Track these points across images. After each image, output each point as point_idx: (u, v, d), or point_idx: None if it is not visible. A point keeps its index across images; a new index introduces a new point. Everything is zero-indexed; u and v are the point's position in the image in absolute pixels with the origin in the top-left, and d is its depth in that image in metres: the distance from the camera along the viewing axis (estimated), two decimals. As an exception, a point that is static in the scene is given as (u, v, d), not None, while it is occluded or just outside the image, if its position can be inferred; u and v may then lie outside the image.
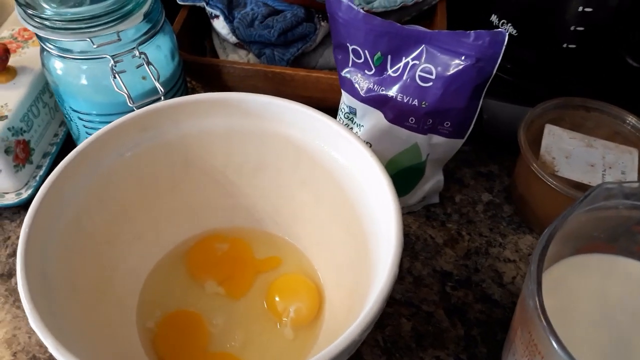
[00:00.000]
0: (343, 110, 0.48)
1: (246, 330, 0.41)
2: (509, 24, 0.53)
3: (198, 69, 0.53)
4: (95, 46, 0.40)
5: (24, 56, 0.53)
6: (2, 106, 0.48)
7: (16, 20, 0.59)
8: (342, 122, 0.48)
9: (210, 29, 0.58)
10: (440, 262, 0.48)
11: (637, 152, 0.48)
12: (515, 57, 0.53)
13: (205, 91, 0.60)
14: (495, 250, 0.49)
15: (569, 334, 0.33)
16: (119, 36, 0.41)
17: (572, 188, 0.44)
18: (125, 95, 0.41)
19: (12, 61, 0.52)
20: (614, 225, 0.38)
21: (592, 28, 0.49)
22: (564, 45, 0.51)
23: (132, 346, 0.39)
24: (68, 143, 0.54)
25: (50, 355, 0.41)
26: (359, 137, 0.37)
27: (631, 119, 0.49)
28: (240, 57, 0.56)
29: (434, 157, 0.47)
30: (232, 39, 0.54)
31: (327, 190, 0.41)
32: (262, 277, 0.44)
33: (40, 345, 0.42)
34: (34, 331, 0.41)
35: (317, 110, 0.39)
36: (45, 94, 0.52)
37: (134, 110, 0.40)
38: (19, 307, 0.44)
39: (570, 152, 0.48)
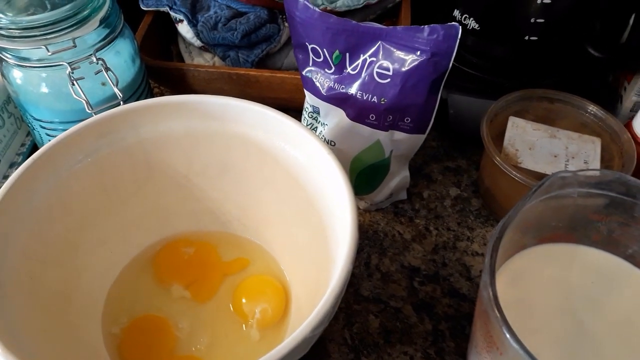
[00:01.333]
0: (307, 109, 0.48)
1: (212, 333, 0.41)
2: (472, 19, 0.53)
3: (163, 74, 0.53)
4: (49, 53, 0.40)
5: (-13, 67, 0.53)
6: (-36, 117, 0.48)
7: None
8: (306, 122, 0.48)
9: (176, 33, 0.58)
10: (408, 257, 0.48)
11: (599, 141, 0.48)
12: (479, 51, 0.53)
13: (172, 94, 0.60)
14: (463, 244, 0.49)
15: (528, 324, 0.34)
16: (74, 42, 0.41)
17: (535, 179, 0.44)
18: (84, 102, 0.41)
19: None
20: (572, 214, 0.38)
21: (552, 19, 0.49)
22: (526, 38, 0.51)
23: (98, 353, 0.39)
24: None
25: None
26: (316, 134, 0.37)
27: (593, 109, 0.49)
28: (206, 61, 0.56)
29: (397, 153, 0.47)
30: (197, 42, 0.54)
31: (290, 190, 0.41)
32: (229, 280, 0.44)
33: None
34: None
35: (275, 110, 0.39)
36: (10, 104, 0.52)
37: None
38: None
39: (534, 144, 0.48)
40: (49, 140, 0.47)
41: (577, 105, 0.50)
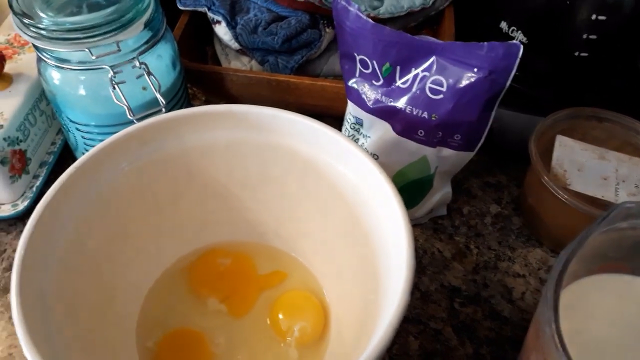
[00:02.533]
0: (349, 120, 0.47)
1: (249, 350, 0.40)
2: (519, 31, 0.51)
3: (199, 76, 0.52)
4: (94, 57, 0.39)
5: (20, 62, 0.52)
6: (-3, 115, 0.47)
7: (12, 24, 0.57)
8: (348, 132, 0.47)
9: (212, 35, 0.56)
10: (448, 276, 0.47)
11: (651, 164, 0.47)
12: (526, 65, 0.51)
13: (207, 98, 0.59)
14: (504, 264, 0.47)
15: (585, 358, 0.32)
16: (118, 46, 0.39)
17: (585, 203, 0.43)
18: (125, 107, 0.40)
19: (8, 68, 0.51)
20: (631, 245, 0.37)
21: (605, 36, 0.48)
22: (576, 54, 0.49)
23: (132, 367, 0.38)
24: (65, 152, 0.53)
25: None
26: (367, 152, 0.36)
27: (645, 130, 0.48)
28: (243, 64, 0.54)
29: (442, 169, 0.45)
30: (235, 45, 0.53)
31: (333, 205, 0.40)
32: (265, 294, 0.43)
33: (38, 364, 0.40)
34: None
35: (324, 124, 0.38)
36: (42, 102, 0.51)
37: (133, 122, 0.39)
38: (16, 324, 0.42)
39: (583, 165, 0.46)
40: (84, 143, 0.46)
41: (626, 125, 0.48)
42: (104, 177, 0.37)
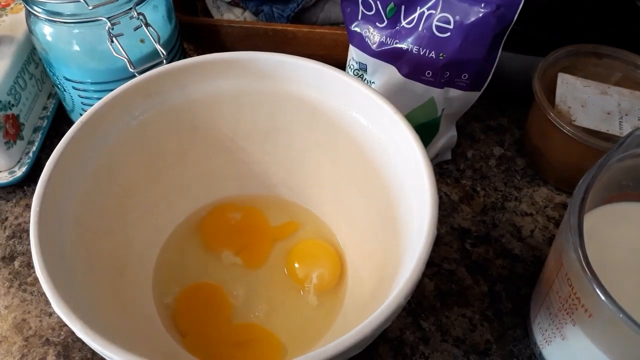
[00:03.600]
0: (352, 66, 0.46)
1: (269, 299, 0.40)
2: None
3: (193, 30, 0.50)
4: (90, 7, 0.37)
5: (3, 25, 0.49)
6: (-14, 79, 0.45)
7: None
8: (350, 79, 0.46)
9: (201, -13, 0.54)
10: (457, 219, 0.47)
11: (651, 97, 0.47)
12: (523, 4, 0.51)
13: (200, 54, 0.57)
14: (511, 204, 0.48)
15: (608, 285, 0.33)
16: (114, -4, 0.38)
17: (591, 137, 0.43)
18: (125, 60, 0.39)
19: (-9, 30, 0.48)
20: (644, 172, 0.37)
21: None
22: (573, -10, 0.49)
23: (153, 324, 0.38)
24: (59, 116, 0.51)
25: (64, 338, 0.39)
26: (380, 94, 0.35)
27: (644, 64, 0.48)
28: (236, 16, 0.53)
29: (448, 111, 0.45)
30: (227, -4, 0.51)
31: (345, 152, 0.40)
32: (279, 245, 0.42)
33: (53, 328, 0.40)
34: (44, 315, 0.40)
35: (335, 68, 0.37)
36: (31, 65, 0.49)
37: (134, 76, 0.38)
38: (26, 290, 0.41)
39: (586, 101, 0.47)
40: (81, 102, 0.44)
41: (626, 60, 0.48)
42: (110, 133, 0.36)
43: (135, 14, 0.39)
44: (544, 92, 0.46)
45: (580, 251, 0.30)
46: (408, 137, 0.34)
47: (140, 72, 0.38)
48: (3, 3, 0.52)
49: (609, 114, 0.46)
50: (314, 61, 0.37)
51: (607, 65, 0.49)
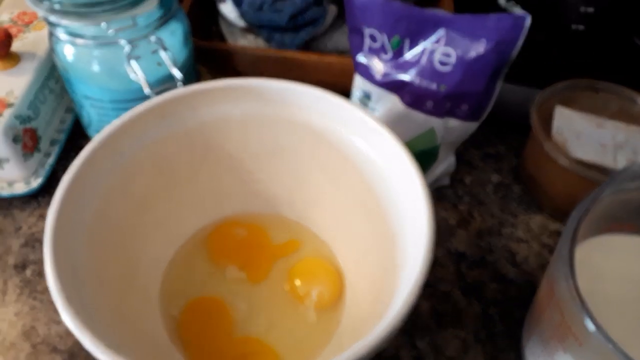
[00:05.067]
0: (357, 94, 0.48)
1: (269, 314, 0.41)
2: (517, 5, 0.53)
3: (207, 54, 0.53)
4: (111, 31, 0.39)
5: (26, 41, 0.52)
6: (7, 93, 0.47)
7: (15, 2, 0.57)
8: (355, 106, 0.48)
9: (217, 13, 0.57)
10: (454, 243, 0.48)
11: (645, 132, 0.49)
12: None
13: (213, 76, 0.60)
14: (507, 230, 0.49)
15: (598, 315, 0.34)
16: (134, 21, 0.40)
17: (586, 168, 0.45)
18: (142, 82, 0.41)
19: (14, 47, 0.51)
20: (638, 206, 0.38)
21: (601, 10, 0.49)
22: (573, 27, 0.51)
23: (158, 335, 0.39)
24: (76, 130, 0.53)
25: (71, 346, 0.41)
26: (382, 122, 0.37)
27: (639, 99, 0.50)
28: (249, 42, 0.55)
29: (448, 140, 0.47)
30: (241, 23, 0.54)
31: (345, 176, 0.41)
32: (280, 262, 0.44)
33: (61, 336, 0.41)
34: (53, 322, 0.42)
35: (338, 95, 0.39)
36: (51, 80, 0.51)
37: (149, 97, 0.40)
38: (36, 298, 0.43)
39: (581, 133, 0.48)
40: (98, 119, 0.46)
41: (622, 95, 0.50)
42: (125, 151, 0.38)
43: (154, 38, 0.41)
44: (541, 123, 0.48)
45: (571, 281, 0.32)
46: (407, 165, 0.35)
47: (157, 94, 0.40)
48: (25, 20, 0.54)
49: (604, 146, 0.48)
50: (319, 89, 0.39)
51: (604, 99, 0.51)
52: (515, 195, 0.52)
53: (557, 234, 0.49)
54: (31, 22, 0.54)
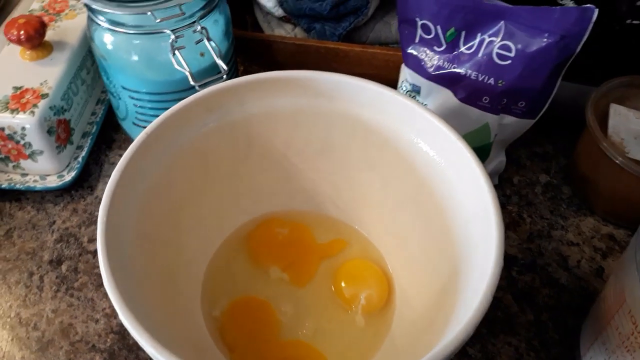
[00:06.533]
0: (404, 88, 0.46)
1: (316, 317, 0.39)
2: (570, -2, 0.51)
3: (245, 45, 0.51)
4: (158, 20, 0.37)
5: (58, 30, 0.50)
6: (42, 84, 0.45)
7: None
8: (402, 100, 0.46)
9: (252, 2, 0.55)
10: (504, 246, 0.46)
11: (703, 132, 0.46)
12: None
13: (244, 68, 0.58)
14: (557, 233, 0.47)
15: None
16: (181, 9, 0.38)
17: (645, 170, 0.43)
18: (187, 73, 0.39)
19: (46, 36, 0.49)
20: None
21: (659, 3, 0.47)
22: (628, 21, 0.49)
23: (202, 336, 0.38)
24: (107, 122, 0.52)
25: (110, 345, 0.39)
26: (446, 122, 0.35)
27: (697, 98, 0.48)
28: (286, 32, 0.53)
29: (501, 137, 0.45)
30: (279, 12, 0.52)
31: (399, 175, 0.39)
32: (326, 263, 0.42)
33: (100, 335, 0.40)
34: (91, 321, 0.40)
35: (396, 91, 0.37)
36: (83, 71, 0.49)
37: (192, 88, 0.38)
38: (73, 295, 0.42)
39: (638, 133, 0.46)
40: (135, 111, 0.45)
41: (679, 93, 0.48)
42: (172, 145, 0.36)
43: (199, 27, 0.39)
44: (597, 122, 0.46)
45: (649, 289, 0.30)
46: (472, 164, 0.34)
47: (201, 86, 0.38)
48: (57, 8, 0.53)
49: (661, 147, 0.45)
50: (373, 82, 0.38)
51: (660, 98, 0.49)
52: (565, 196, 0.50)
53: (609, 237, 0.47)
54: (62, 10, 0.52)
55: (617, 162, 0.43)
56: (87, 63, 0.50)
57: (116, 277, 0.29)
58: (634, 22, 0.49)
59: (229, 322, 0.39)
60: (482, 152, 0.45)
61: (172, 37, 0.39)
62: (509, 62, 0.39)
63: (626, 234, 0.47)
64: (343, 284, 0.41)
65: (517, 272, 0.45)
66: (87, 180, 0.48)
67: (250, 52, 0.52)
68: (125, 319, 0.27)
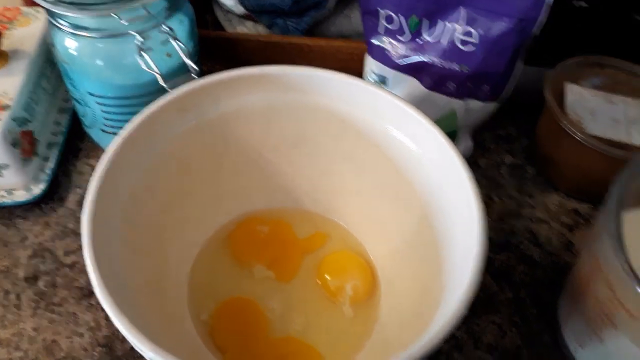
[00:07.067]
0: (370, 79, 0.46)
1: (305, 312, 0.40)
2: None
3: (207, 45, 0.50)
4: (124, 22, 0.37)
5: (13, 39, 0.48)
6: (1, 95, 0.44)
7: (-5, -2, 0.53)
8: (370, 92, 0.47)
9: (212, 1, 0.54)
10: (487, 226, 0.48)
11: (655, 105, 0.49)
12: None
13: (208, 69, 0.57)
14: (526, 211, 0.49)
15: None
16: (147, 10, 0.37)
17: (604, 145, 0.45)
18: (157, 75, 0.38)
19: (2, 45, 0.47)
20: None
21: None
22: (575, 4, 0.51)
23: (193, 342, 0.37)
24: (74, 131, 0.50)
25: (99, 358, 0.38)
26: (418, 109, 0.36)
27: (646, 74, 0.50)
28: (248, 29, 0.53)
29: (467, 122, 0.46)
30: (239, 9, 0.51)
31: (374, 164, 0.40)
32: (309, 257, 0.42)
33: (85, 349, 0.39)
34: (75, 335, 0.40)
35: (367, 81, 0.38)
36: (43, 79, 0.48)
37: (161, 90, 0.37)
38: (53, 310, 0.40)
39: (594, 110, 0.48)
40: (103, 117, 0.44)
41: (629, 70, 0.51)
42: (147, 148, 0.36)
43: (165, 27, 0.39)
44: (554, 102, 0.48)
45: (622, 255, 0.31)
46: (446, 147, 0.35)
47: (172, 87, 0.38)
48: (9, 15, 0.51)
49: (617, 122, 0.48)
50: (343, 74, 0.38)
51: (611, 76, 0.51)
52: (530, 175, 0.52)
53: (574, 212, 0.49)
54: (15, 18, 0.50)
55: (577, 138, 0.45)
56: (47, 71, 0.48)
57: (108, 287, 0.28)
58: (581, 4, 0.51)
59: (218, 325, 0.38)
60: (450, 138, 0.46)
61: (139, 38, 0.38)
62: (472, 47, 0.41)
63: (589, 207, 0.49)
64: (328, 277, 0.41)
65: (492, 252, 0.46)
66: (56, 192, 0.47)
67: (213, 51, 0.52)
68: (122, 325, 0.26)
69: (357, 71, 0.48)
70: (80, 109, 0.45)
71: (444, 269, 0.34)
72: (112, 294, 0.28)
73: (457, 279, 0.31)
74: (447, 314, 0.28)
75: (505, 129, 0.55)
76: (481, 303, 0.43)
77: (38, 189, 0.45)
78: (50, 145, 0.48)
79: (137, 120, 0.34)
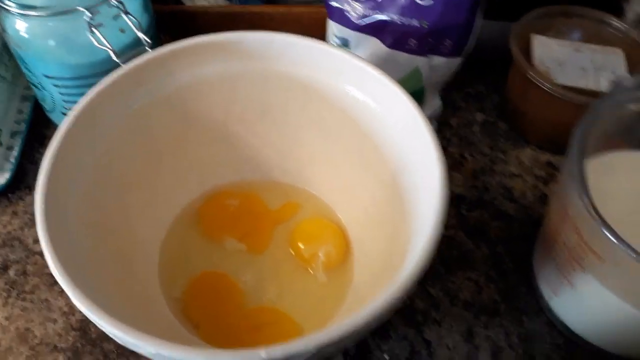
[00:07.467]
0: (333, 42, 0.46)
1: (278, 281, 0.39)
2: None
3: (166, 19, 0.49)
4: (69, -3, 0.36)
5: (-36, 28, 0.47)
6: (-44, 85, 0.43)
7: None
8: (333, 57, 0.46)
9: (169, -24, 0.53)
10: (450, 186, 0.47)
11: (621, 52, 0.49)
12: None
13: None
14: (499, 167, 0.49)
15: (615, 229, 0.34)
16: (93, -16, 0.36)
17: (573, 94, 0.44)
18: (109, 50, 0.38)
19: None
20: (628, 121, 0.38)
21: None
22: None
23: (165, 319, 0.37)
24: (38, 119, 0.49)
25: (73, 343, 0.38)
26: (379, 68, 0.35)
27: (611, 21, 0.49)
28: (208, 2, 0.52)
29: (433, 80, 0.46)
30: (197, -17, 0.50)
31: (340, 128, 0.40)
32: (281, 227, 0.42)
33: (60, 335, 0.38)
34: (49, 321, 0.39)
35: (327, 43, 0.37)
36: (1, 68, 0.47)
37: (117, 67, 0.36)
38: (25, 299, 0.40)
39: (562, 60, 0.48)
40: (62, 100, 0.43)
41: (594, 18, 0.50)
42: (104, 125, 0.35)
43: (116, 2, 0.38)
44: (521, 54, 0.48)
45: (586, 198, 0.31)
46: (407, 104, 0.34)
47: (125, 62, 0.37)
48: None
49: (585, 70, 0.47)
50: (304, 37, 0.37)
51: (576, 24, 0.50)
52: (502, 131, 0.51)
53: (548, 164, 0.49)
54: (-35, 5, 0.49)
55: (546, 89, 0.45)
56: (5, 59, 0.47)
57: (65, 265, 0.27)
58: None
59: (191, 301, 0.38)
60: (416, 97, 0.45)
61: (88, 14, 0.37)
62: (430, 1, 0.40)
63: (562, 159, 0.49)
64: (300, 245, 0.41)
65: (466, 210, 0.46)
66: (23, 181, 0.46)
67: (173, 26, 0.51)
68: (79, 300, 0.26)
69: (321, 37, 0.47)
70: (39, 93, 0.44)
71: (411, 226, 0.33)
72: (69, 271, 0.27)
73: (422, 233, 0.31)
74: (410, 266, 0.28)
75: (474, 87, 0.55)
76: (456, 260, 0.43)
77: (3, 178, 0.44)
78: (13, 134, 0.47)
79: (87, 96, 0.34)
